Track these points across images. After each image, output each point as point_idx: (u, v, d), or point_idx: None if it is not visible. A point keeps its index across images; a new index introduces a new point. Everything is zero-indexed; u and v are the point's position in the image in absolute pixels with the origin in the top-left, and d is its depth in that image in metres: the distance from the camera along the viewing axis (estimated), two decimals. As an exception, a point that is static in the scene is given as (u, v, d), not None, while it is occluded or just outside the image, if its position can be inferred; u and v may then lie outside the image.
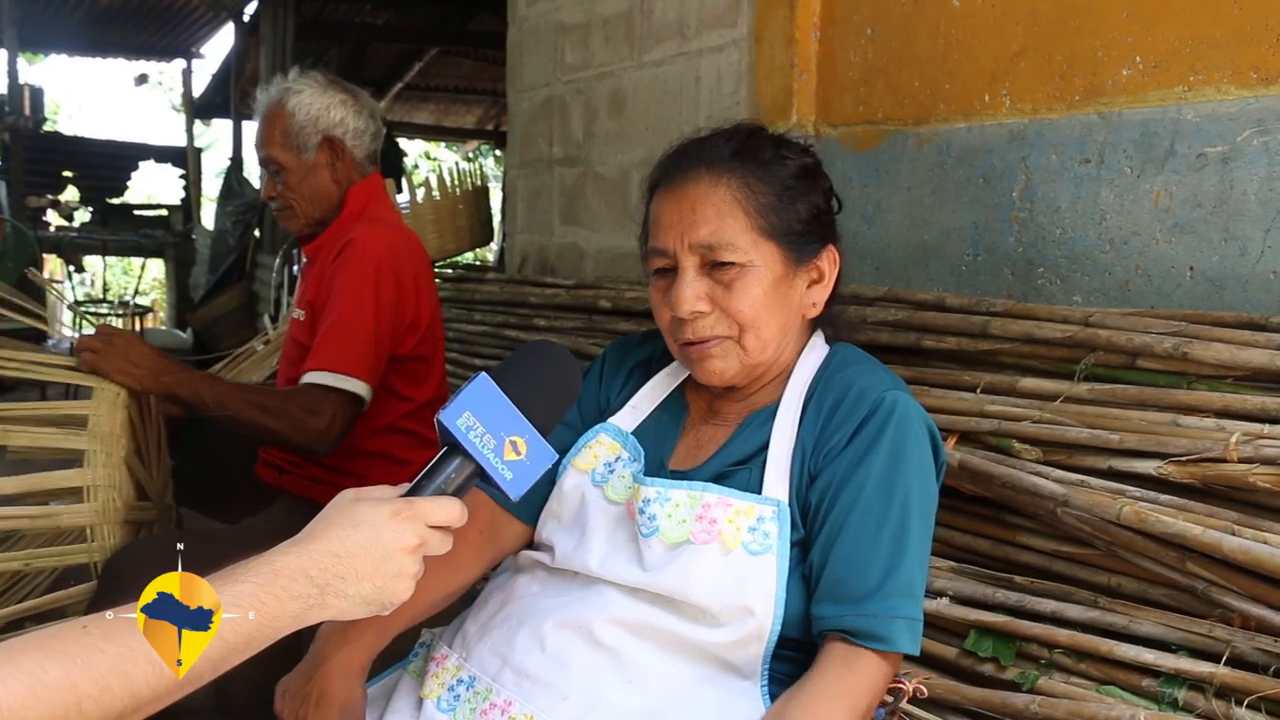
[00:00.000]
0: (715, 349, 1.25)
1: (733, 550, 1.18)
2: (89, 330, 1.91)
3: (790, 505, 1.21)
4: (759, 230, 1.24)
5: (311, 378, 1.93)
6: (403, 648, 1.38)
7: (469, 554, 1.35)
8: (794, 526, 1.21)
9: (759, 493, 1.22)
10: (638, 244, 1.37)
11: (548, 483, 1.34)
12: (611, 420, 1.36)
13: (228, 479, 2.25)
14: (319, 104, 2.14)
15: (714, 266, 1.24)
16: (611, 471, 1.31)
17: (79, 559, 1.78)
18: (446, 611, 1.41)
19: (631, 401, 1.38)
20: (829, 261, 1.31)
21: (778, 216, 1.25)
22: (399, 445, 2.15)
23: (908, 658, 1.31)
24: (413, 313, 2.08)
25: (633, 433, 1.34)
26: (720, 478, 1.24)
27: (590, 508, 1.29)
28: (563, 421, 1.37)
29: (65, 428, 1.81)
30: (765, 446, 1.25)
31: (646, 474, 1.27)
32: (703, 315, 1.24)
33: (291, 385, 2.01)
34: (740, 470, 1.25)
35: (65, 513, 1.76)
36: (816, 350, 1.33)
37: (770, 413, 1.28)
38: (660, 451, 1.32)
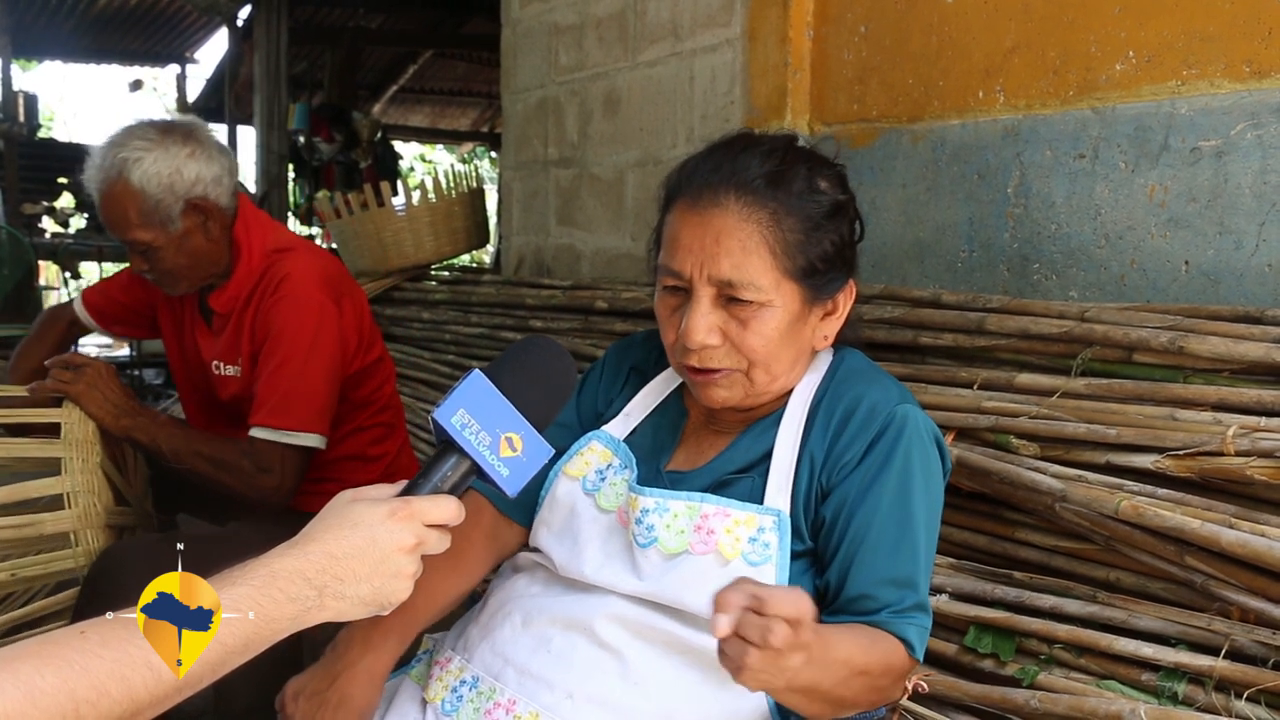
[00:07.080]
0: (722, 380, 1.22)
1: (731, 561, 1.17)
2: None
3: (795, 515, 1.20)
4: (783, 271, 1.18)
5: (262, 434, 1.90)
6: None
7: (474, 556, 1.35)
8: (799, 537, 1.20)
9: (760, 502, 1.21)
10: (646, 249, 1.31)
11: (539, 483, 1.34)
12: (604, 428, 1.35)
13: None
14: (167, 169, 1.90)
15: (730, 301, 1.19)
16: (603, 479, 1.30)
17: (65, 565, 1.78)
18: (448, 616, 1.41)
19: (625, 409, 1.36)
20: (846, 295, 1.28)
21: (803, 255, 1.20)
22: (367, 442, 2.17)
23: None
24: (355, 333, 2.07)
25: (625, 439, 1.33)
26: (721, 485, 1.23)
27: (581, 517, 1.28)
28: (560, 422, 1.37)
29: (36, 437, 1.83)
30: (768, 454, 1.24)
31: (642, 481, 1.26)
32: (713, 349, 1.20)
33: (233, 438, 1.95)
34: (743, 479, 1.24)
35: (49, 520, 1.75)
36: (821, 359, 1.31)
37: (774, 419, 1.26)
38: (657, 456, 1.30)
